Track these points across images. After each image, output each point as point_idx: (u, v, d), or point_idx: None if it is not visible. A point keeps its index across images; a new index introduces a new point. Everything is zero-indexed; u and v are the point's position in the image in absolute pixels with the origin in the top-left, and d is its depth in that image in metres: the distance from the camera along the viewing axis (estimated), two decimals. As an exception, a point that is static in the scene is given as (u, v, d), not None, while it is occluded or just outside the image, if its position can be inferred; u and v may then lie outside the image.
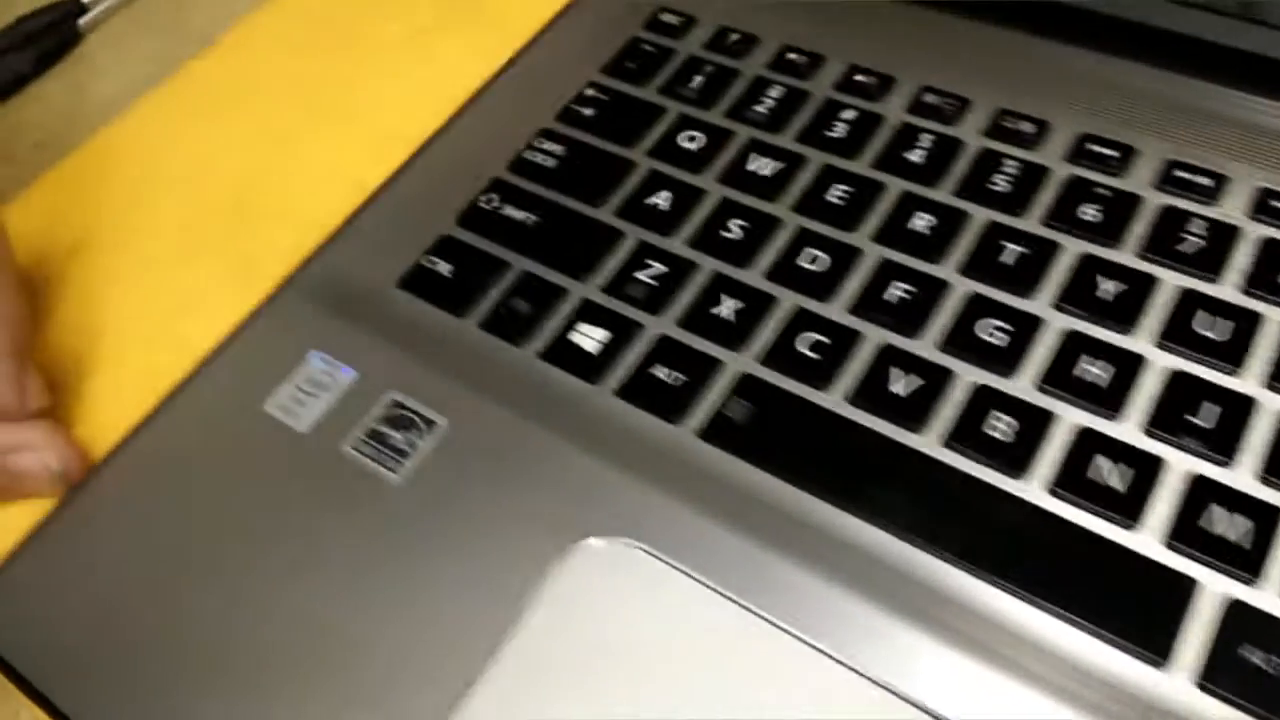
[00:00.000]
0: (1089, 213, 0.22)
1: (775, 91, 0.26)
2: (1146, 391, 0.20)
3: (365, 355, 0.22)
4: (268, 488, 0.21)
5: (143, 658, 0.19)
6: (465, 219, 0.25)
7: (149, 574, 0.20)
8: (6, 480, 0.22)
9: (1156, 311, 0.21)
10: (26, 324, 0.22)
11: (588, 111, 0.26)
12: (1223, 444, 0.19)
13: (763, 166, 0.24)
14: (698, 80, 0.26)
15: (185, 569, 0.20)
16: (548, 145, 0.26)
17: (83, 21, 0.34)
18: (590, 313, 0.23)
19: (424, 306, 0.23)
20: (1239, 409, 0.19)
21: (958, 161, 0.24)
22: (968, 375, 0.21)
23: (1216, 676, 0.17)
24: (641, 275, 0.23)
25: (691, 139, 0.25)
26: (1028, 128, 0.24)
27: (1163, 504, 0.19)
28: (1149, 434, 0.19)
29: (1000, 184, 0.23)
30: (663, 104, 0.26)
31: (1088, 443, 0.19)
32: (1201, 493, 0.18)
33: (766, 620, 0.18)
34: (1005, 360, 0.21)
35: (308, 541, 0.20)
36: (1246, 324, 0.20)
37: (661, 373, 0.21)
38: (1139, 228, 0.22)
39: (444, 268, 0.24)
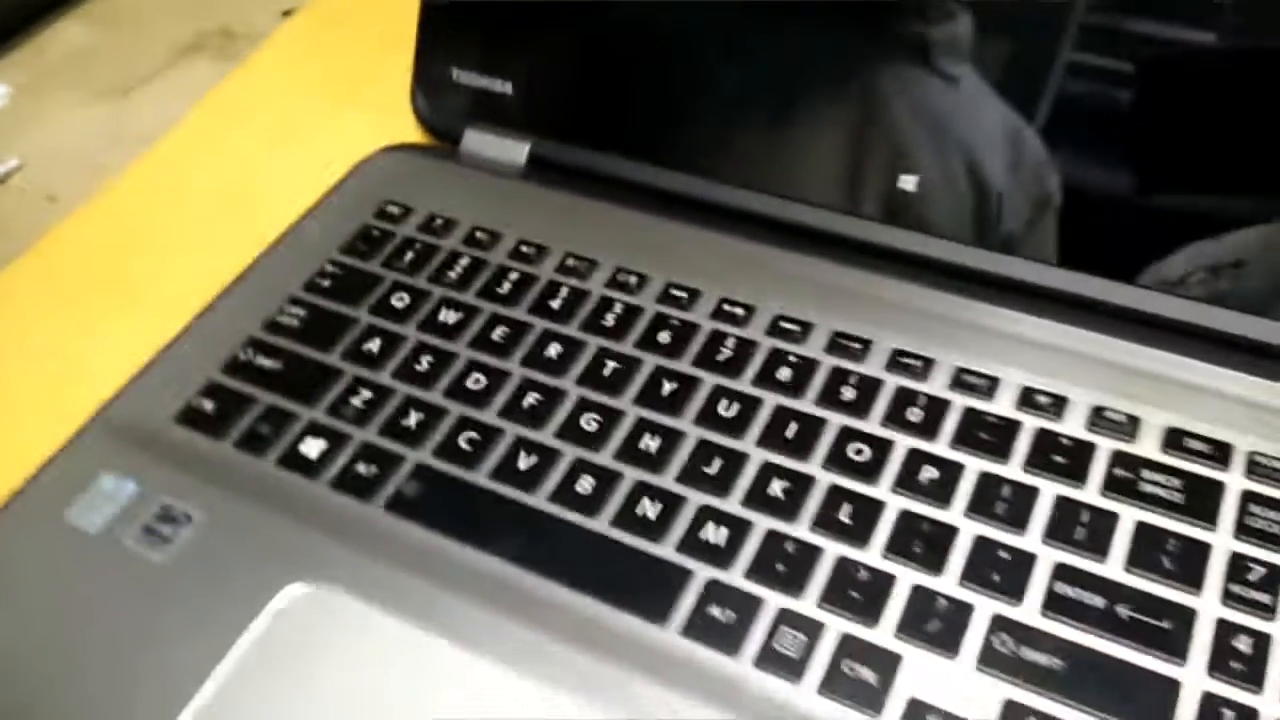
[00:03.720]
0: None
1: (464, 262, 0.36)
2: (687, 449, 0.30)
3: (146, 472, 0.31)
4: (66, 575, 0.28)
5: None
6: (227, 367, 0.33)
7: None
8: None
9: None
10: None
11: (325, 283, 0.36)
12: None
13: (449, 317, 0.34)
14: (409, 255, 0.36)
15: None
16: (293, 309, 0.35)
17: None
18: (315, 429, 0.31)
19: (192, 434, 0.32)
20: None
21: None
22: (570, 452, 0.30)
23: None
24: (354, 400, 0.32)
25: (400, 299, 0.35)
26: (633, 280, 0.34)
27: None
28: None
29: (609, 319, 0.33)
30: (381, 274, 0.36)
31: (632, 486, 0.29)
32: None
33: (427, 633, 0.27)
34: (592, 442, 0.30)
35: (84, 612, 0.28)
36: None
37: (361, 467, 0.30)
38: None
39: (208, 405, 0.32)
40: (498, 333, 0.33)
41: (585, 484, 0.29)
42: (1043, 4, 0.31)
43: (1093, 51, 0.31)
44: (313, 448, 0.31)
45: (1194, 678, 0.25)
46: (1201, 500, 0.27)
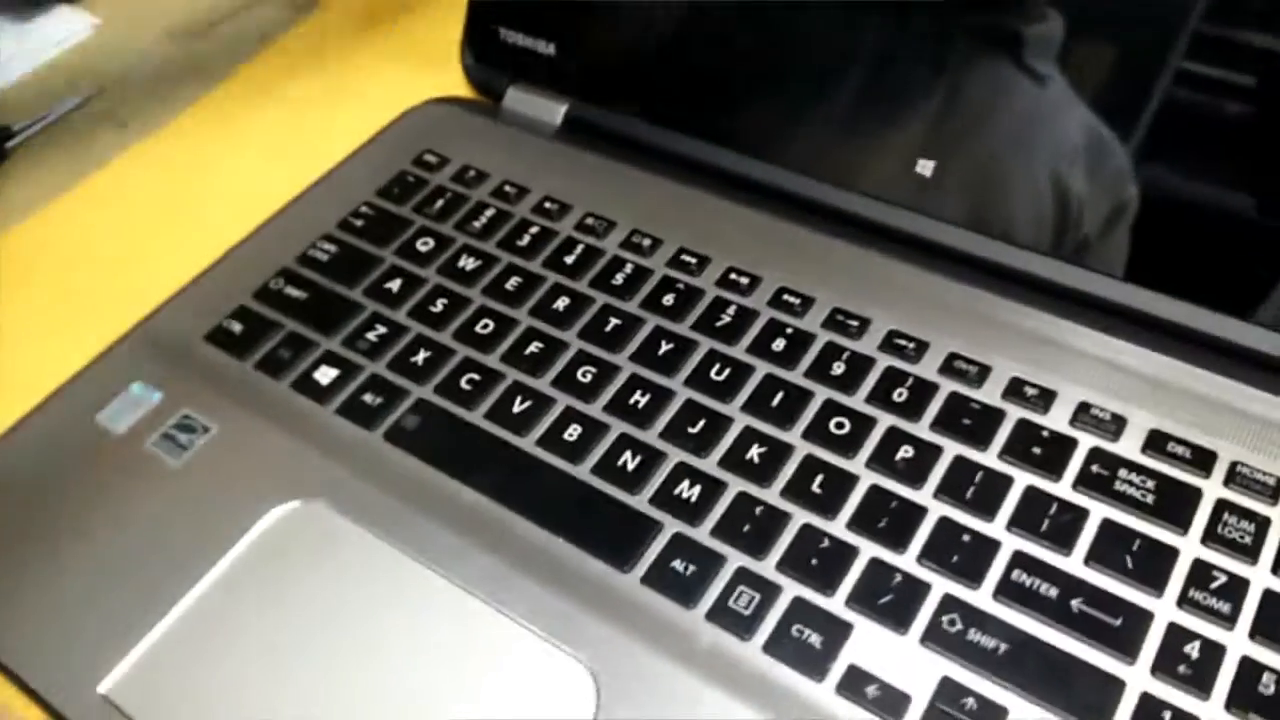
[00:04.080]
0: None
1: (489, 213, 0.37)
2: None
3: (172, 384, 0.33)
4: (91, 470, 0.31)
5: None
6: (258, 294, 0.35)
7: None
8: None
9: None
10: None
11: (358, 222, 0.37)
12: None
13: (468, 264, 0.35)
14: (439, 203, 0.38)
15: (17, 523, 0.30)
16: (325, 245, 0.37)
17: (9, 144, 0.45)
18: (330, 358, 0.33)
19: (218, 353, 0.34)
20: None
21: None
22: (563, 401, 0.31)
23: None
24: (369, 334, 0.33)
25: (425, 244, 0.36)
26: (647, 242, 0.35)
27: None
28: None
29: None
30: (411, 218, 0.37)
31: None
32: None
33: (401, 552, 0.28)
34: (585, 394, 0.31)
35: (103, 504, 0.30)
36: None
37: (367, 397, 0.32)
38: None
39: (236, 327, 0.34)
40: (511, 282, 0.35)
41: (573, 432, 0.30)
42: (1141, 15, 0.30)
43: (1195, 61, 0.29)
44: (325, 375, 0.33)
45: (1139, 677, 0.25)
46: (1175, 504, 0.27)
